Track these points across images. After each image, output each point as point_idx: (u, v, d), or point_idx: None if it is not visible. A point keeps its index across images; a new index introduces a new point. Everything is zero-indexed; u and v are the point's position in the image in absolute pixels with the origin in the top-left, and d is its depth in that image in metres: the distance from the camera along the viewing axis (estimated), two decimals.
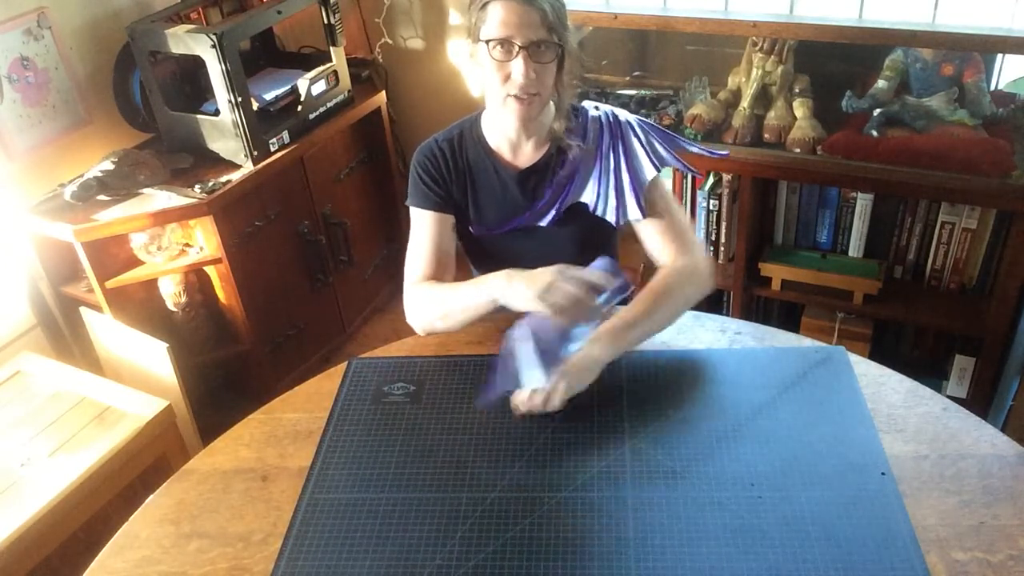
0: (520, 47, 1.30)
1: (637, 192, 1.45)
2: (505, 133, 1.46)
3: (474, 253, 1.59)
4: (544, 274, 1.25)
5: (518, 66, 1.31)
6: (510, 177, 1.48)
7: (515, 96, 1.34)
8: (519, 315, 1.29)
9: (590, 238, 1.52)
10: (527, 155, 1.48)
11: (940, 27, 1.89)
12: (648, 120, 1.52)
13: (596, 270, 1.26)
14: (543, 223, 1.48)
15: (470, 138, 1.51)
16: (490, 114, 1.47)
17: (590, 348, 1.29)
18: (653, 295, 1.38)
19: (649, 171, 1.45)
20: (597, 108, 1.50)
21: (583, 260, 1.47)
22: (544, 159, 1.47)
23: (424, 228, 1.50)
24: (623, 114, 1.49)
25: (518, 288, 1.27)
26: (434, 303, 1.42)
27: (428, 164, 1.50)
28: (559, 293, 1.23)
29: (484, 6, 1.32)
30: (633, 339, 1.34)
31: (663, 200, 1.47)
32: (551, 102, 1.43)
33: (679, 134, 2.17)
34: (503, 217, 1.50)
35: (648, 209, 1.45)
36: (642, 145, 1.46)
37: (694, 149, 1.56)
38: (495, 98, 1.38)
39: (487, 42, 1.32)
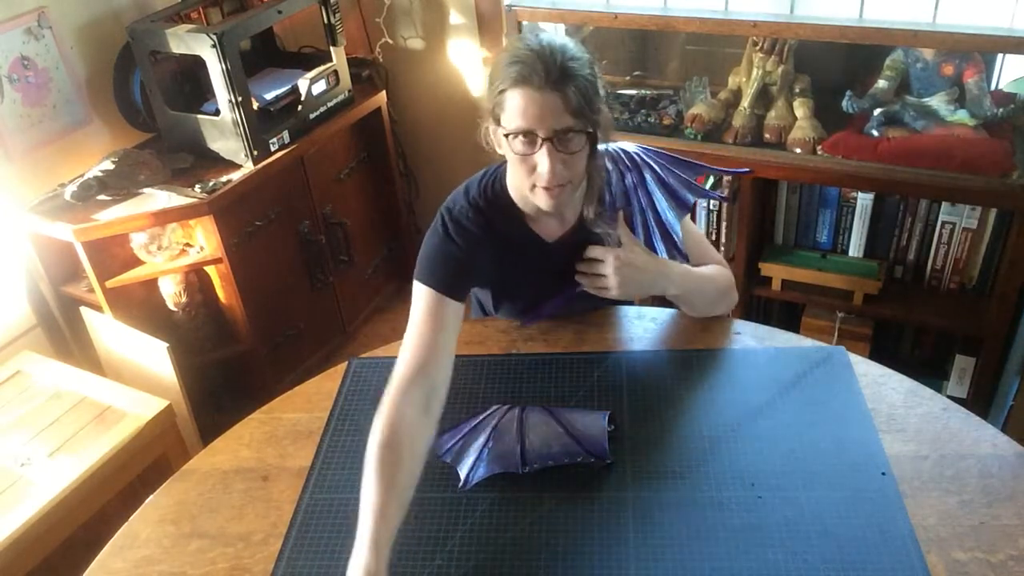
0: (543, 139, 1.16)
1: (675, 240, 1.39)
2: (537, 208, 1.29)
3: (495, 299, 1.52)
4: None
5: (543, 160, 1.17)
6: (550, 247, 1.37)
7: (543, 187, 1.20)
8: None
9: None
10: (568, 221, 1.36)
11: (940, 27, 1.88)
12: (659, 150, 1.41)
13: None
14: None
15: (500, 203, 1.33)
16: (515, 186, 1.31)
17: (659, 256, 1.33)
18: (711, 273, 1.42)
19: (678, 220, 1.39)
20: (607, 152, 1.35)
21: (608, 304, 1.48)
22: (575, 228, 1.36)
23: (436, 317, 1.28)
24: (637, 153, 1.37)
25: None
26: (365, 475, 1.12)
27: (457, 242, 1.31)
28: None
29: (502, 91, 1.16)
30: (696, 283, 1.38)
31: (690, 231, 1.44)
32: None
33: (679, 134, 2.19)
34: (539, 292, 1.44)
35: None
36: (664, 186, 1.37)
37: (715, 170, 1.55)
38: (521, 185, 1.25)
39: (507, 135, 1.18)
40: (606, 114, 1.24)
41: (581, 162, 1.21)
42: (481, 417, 1.27)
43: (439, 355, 1.25)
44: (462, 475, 1.21)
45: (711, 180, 2.24)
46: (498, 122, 1.20)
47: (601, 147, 1.29)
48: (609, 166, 1.34)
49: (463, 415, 1.30)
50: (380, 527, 1.05)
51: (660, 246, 1.38)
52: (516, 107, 1.15)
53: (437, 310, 1.28)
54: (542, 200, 1.23)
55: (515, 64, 1.14)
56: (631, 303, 1.58)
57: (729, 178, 2.19)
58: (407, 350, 1.25)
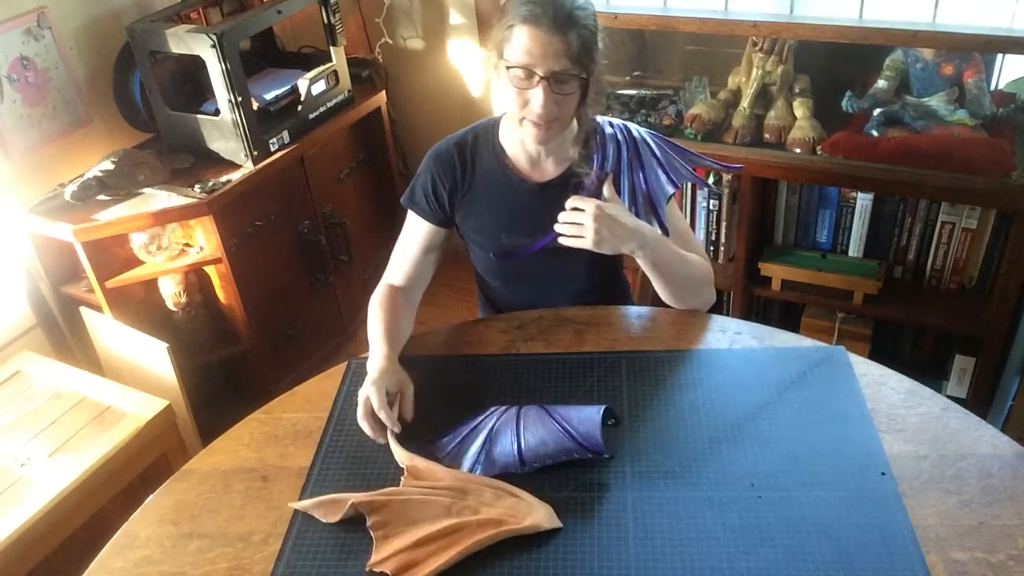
0: (541, 77, 1.26)
1: (658, 210, 1.44)
2: (524, 147, 1.43)
3: (480, 263, 1.58)
4: (365, 386, 1.28)
5: (537, 95, 1.27)
6: (527, 190, 1.45)
7: (532, 121, 1.31)
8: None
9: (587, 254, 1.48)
10: (546, 170, 1.44)
11: (940, 27, 1.88)
12: (659, 134, 1.49)
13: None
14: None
15: (485, 145, 1.47)
16: (508, 126, 1.44)
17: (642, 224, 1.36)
18: (689, 257, 1.44)
19: (667, 188, 1.44)
20: (611, 125, 1.46)
21: (592, 273, 1.52)
22: (563, 176, 1.44)
23: (415, 237, 1.51)
24: (635, 129, 1.47)
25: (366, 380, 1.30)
26: (368, 323, 1.44)
27: (439, 171, 1.47)
28: (359, 409, 1.27)
29: (510, 27, 1.27)
30: (670, 255, 1.39)
31: (675, 217, 1.48)
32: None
33: (679, 134, 2.19)
34: (520, 235, 1.47)
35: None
36: (658, 161, 1.44)
37: (707, 162, 1.55)
38: (513, 116, 1.35)
39: (508, 68, 1.29)
40: (600, 67, 1.33)
41: (571, 104, 1.32)
42: (479, 419, 1.27)
43: (413, 270, 1.52)
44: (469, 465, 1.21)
45: (711, 179, 2.25)
46: (501, 55, 1.30)
47: (607, 124, 1.44)
48: (609, 132, 1.44)
49: (463, 415, 1.29)
50: (389, 344, 1.35)
51: (640, 213, 1.43)
52: (521, 44, 1.26)
53: (419, 231, 1.50)
54: (529, 133, 1.34)
55: (528, 3, 1.25)
56: (610, 260, 1.56)
57: (729, 177, 2.19)
58: (392, 263, 1.54)
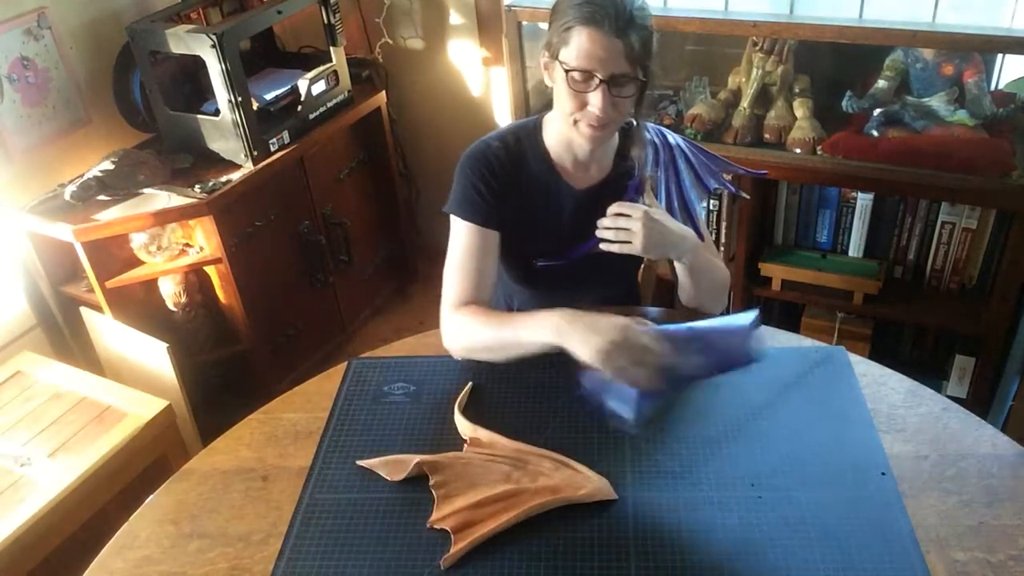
0: (601, 80, 1.23)
1: (693, 215, 1.44)
2: (571, 149, 1.39)
3: (512, 273, 1.53)
4: (611, 328, 1.12)
5: (596, 99, 1.24)
6: (571, 196, 1.42)
7: (588, 123, 1.28)
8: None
9: (628, 257, 1.46)
10: (591, 175, 1.42)
11: (940, 27, 1.88)
12: (692, 140, 1.49)
13: (713, 331, 1.15)
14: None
15: (531, 149, 1.41)
16: (556, 127, 1.39)
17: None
18: (718, 264, 1.44)
19: (701, 193, 1.45)
20: (648, 129, 1.44)
21: (621, 282, 1.53)
22: (603, 181, 1.42)
23: (470, 244, 1.38)
24: (670, 134, 1.47)
25: (580, 335, 1.14)
26: (483, 334, 1.31)
27: (484, 172, 1.38)
28: (625, 355, 1.11)
29: (568, 28, 1.23)
30: (706, 261, 1.37)
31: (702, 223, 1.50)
32: None
33: (679, 134, 2.19)
34: (560, 241, 1.44)
35: None
36: (692, 167, 1.45)
37: (736, 169, 1.57)
38: (565, 118, 1.31)
39: (566, 70, 1.24)
40: (655, 67, 1.30)
41: (628, 106, 1.29)
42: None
43: (481, 280, 1.37)
44: (627, 413, 1.13)
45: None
46: (556, 56, 1.25)
47: (647, 124, 1.42)
48: (648, 137, 1.42)
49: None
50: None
51: (679, 218, 1.42)
52: (581, 46, 1.21)
53: (473, 238, 1.38)
54: (583, 134, 1.30)
55: (587, 4, 1.20)
56: (638, 265, 1.59)
57: (729, 178, 2.19)
58: (452, 280, 1.37)
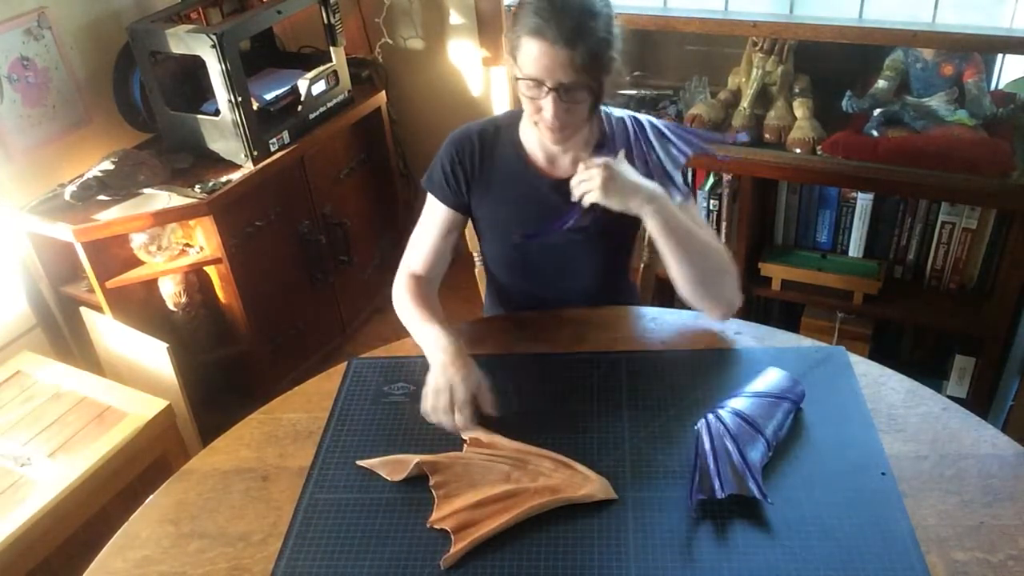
0: (550, 89, 1.26)
1: (673, 178, 1.43)
2: (543, 145, 1.44)
3: (492, 254, 1.58)
4: (444, 375, 1.26)
5: (547, 106, 1.28)
6: (545, 185, 1.45)
7: (545, 127, 1.32)
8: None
9: (611, 243, 1.52)
10: (563, 167, 1.45)
11: (940, 27, 1.88)
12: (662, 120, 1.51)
13: None
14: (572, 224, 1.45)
15: (507, 138, 1.47)
16: (526, 124, 1.44)
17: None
18: (705, 236, 1.41)
19: (679, 157, 1.45)
20: (618, 114, 1.48)
21: (601, 268, 1.53)
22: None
23: (431, 220, 1.51)
24: (643, 117, 1.49)
25: (432, 368, 1.30)
26: (402, 314, 1.46)
27: (456, 156, 1.47)
28: (441, 399, 1.25)
29: (519, 37, 1.27)
30: (680, 219, 1.34)
31: (687, 209, 1.46)
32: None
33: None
34: (533, 225, 1.47)
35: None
36: (666, 137, 1.46)
37: (711, 136, 1.59)
38: (528, 119, 1.36)
39: (517, 78, 1.30)
40: (618, 67, 1.33)
41: (583, 111, 1.32)
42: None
43: (432, 254, 1.51)
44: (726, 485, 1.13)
45: (711, 180, 2.25)
46: (516, 61, 1.30)
47: (616, 112, 1.46)
48: (617, 115, 1.46)
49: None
50: (443, 327, 1.35)
51: (668, 182, 1.43)
52: (528, 55, 1.26)
53: (438, 215, 1.50)
54: (545, 136, 1.35)
55: (535, 16, 1.24)
56: (623, 252, 1.60)
57: (729, 178, 2.19)
58: (410, 248, 1.53)
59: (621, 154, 1.38)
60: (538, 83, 1.26)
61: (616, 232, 1.50)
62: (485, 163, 1.47)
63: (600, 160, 1.32)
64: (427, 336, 1.36)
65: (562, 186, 1.42)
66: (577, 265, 1.53)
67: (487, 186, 1.48)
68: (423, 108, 2.91)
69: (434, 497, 1.16)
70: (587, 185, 1.31)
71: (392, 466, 1.23)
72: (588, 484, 1.16)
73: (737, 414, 1.19)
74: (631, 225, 1.46)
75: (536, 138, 1.44)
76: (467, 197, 1.49)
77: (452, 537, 1.11)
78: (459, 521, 1.12)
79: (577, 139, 1.41)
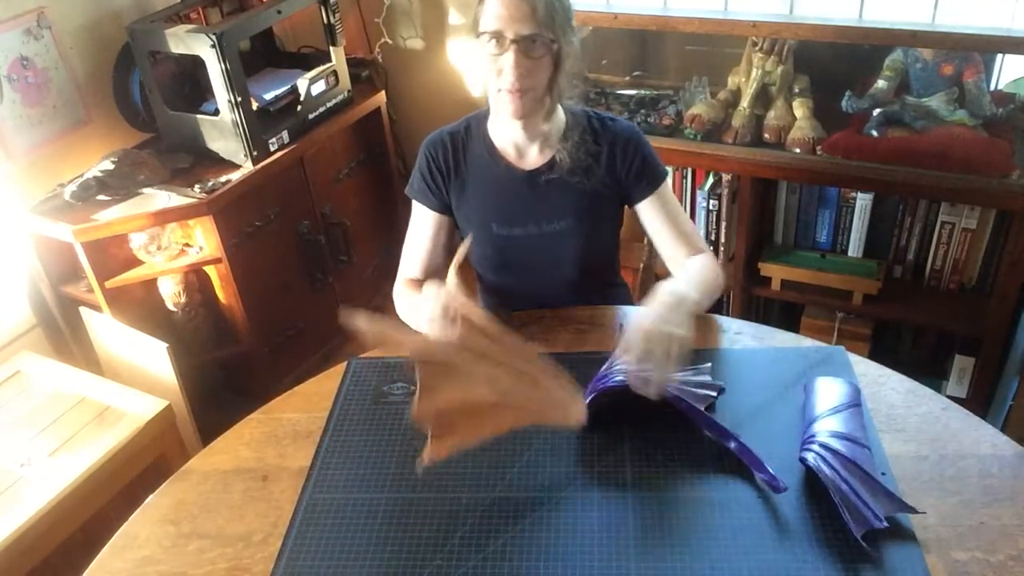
0: (511, 40, 1.32)
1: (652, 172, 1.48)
2: (509, 136, 1.48)
3: (475, 253, 1.60)
4: (440, 300, 1.20)
5: (508, 60, 1.33)
6: (516, 179, 1.49)
7: (507, 90, 1.35)
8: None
9: (594, 237, 1.54)
10: (532, 158, 1.49)
11: (940, 27, 1.88)
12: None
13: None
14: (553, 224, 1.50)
15: (477, 135, 1.52)
16: (493, 116, 1.49)
17: (667, 292, 1.27)
18: (695, 271, 1.42)
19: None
20: (582, 110, 1.52)
21: (581, 261, 1.52)
22: (548, 164, 1.48)
23: (422, 227, 1.57)
24: (620, 121, 1.53)
25: (429, 309, 1.24)
26: (403, 312, 1.55)
27: (429, 159, 1.53)
28: (440, 321, 1.18)
29: (482, 1, 1.35)
30: (701, 298, 1.35)
31: (671, 202, 1.51)
32: (557, 107, 1.45)
33: (679, 134, 2.19)
34: (508, 219, 1.51)
35: (658, 207, 1.49)
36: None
37: None
38: (491, 93, 1.40)
39: (481, 35, 1.35)
40: (575, 45, 1.40)
41: (543, 72, 1.36)
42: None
43: (425, 259, 1.56)
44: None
45: (711, 180, 2.25)
46: (477, 31, 1.35)
47: (578, 106, 1.49)
48: (579, 110, 1.49)
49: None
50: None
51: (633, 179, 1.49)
52: (491, 10, 1.32)
53: (425, 221, 1.56)
54: (507, 104, 1.37)
55: None
56: (608, 251, 1.62)
57: (728, 178, 2.19)
58: (404, 258, 1.59)
59: (626, 322, 1.39)
60: (500, 37, 1.32)
61: (593, 220, 1.52)
62: (459, 162, 1.52)
63: (631, 354, 1.20)
64: (422, 298, 1.35)
65: (533, 178, 1.48)
66: (559, 256, 1.54)
67: (463, 184, 1.52)
68: (423, 108, 2.90)
69: (417, 386, 1.11)
70: (657, 375, 1.19)
71: (389, 342, 1.24)
72: (564, 409, 1.18)
73: (838, 436, 1.14)
74: (610, 216, 1.53)
75: (503, 130, 1.48)
76: (448, 198, 1.54)
77: (429, 435, 1.11)
78: (439, 422, 1.12)
79: (543, 128, 1.45)
